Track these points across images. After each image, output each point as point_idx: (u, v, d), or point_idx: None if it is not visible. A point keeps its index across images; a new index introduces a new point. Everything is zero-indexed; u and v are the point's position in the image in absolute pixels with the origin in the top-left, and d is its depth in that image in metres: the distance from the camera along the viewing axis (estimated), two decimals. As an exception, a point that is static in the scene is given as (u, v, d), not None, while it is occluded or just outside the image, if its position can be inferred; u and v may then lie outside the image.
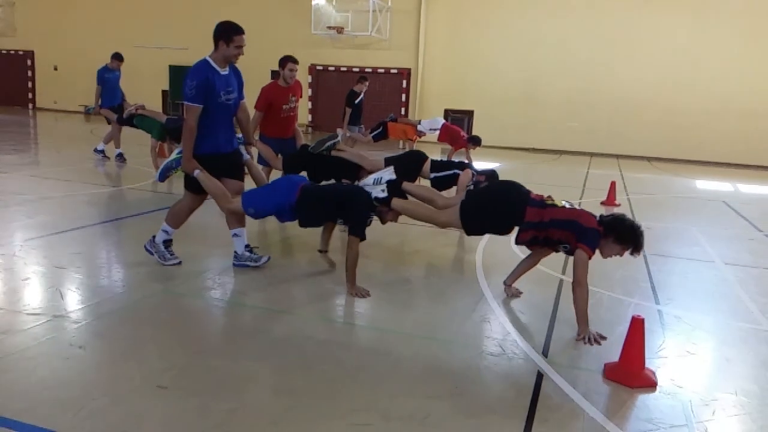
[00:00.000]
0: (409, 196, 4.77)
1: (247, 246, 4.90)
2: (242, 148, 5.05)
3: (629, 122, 17.76)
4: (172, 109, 21.54)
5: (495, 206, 4.19)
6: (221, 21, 4.50)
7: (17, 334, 3.38)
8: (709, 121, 17.04)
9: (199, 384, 2.96)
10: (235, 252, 4.90)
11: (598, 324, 3.93)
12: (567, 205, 4.06)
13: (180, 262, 4.82)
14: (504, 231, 4.30)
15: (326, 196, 4.49)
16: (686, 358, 3.65)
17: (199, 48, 23.23)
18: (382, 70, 19.63)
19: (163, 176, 4.87)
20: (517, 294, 4.56)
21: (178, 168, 4.57)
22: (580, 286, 3.78)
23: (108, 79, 10.62)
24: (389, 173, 4.64)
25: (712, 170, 15.63)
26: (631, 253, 3.85)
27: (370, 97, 11.45)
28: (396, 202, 4.43)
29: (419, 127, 11.62)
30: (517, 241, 4.17)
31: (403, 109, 19.55)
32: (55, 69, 23.65)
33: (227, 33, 4.41)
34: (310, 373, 3.16)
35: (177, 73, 21.82)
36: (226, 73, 4.52)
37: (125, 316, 3.79)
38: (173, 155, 4.71)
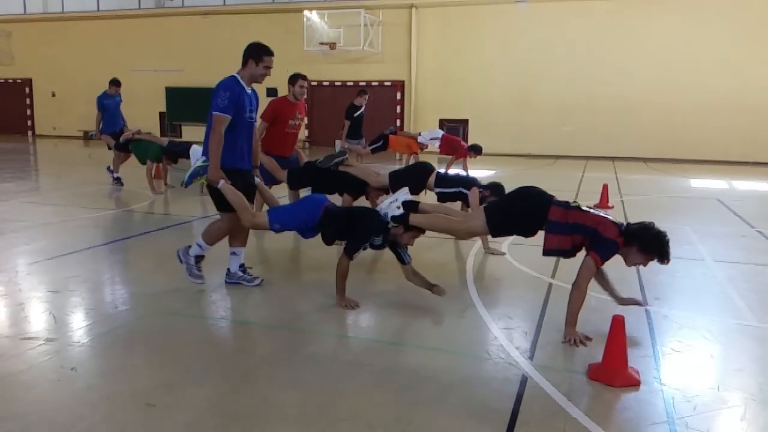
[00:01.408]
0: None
1: (241, 266, 4.96)
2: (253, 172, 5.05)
3: (624, 124, 17.85)
4: (170, 131, 21.75)
5: (521, 203, 4.19)
6: (252, 41, 4.67)
7: (10, 359, 3.44)
8: (704, 119, 17.12)
9: (187, 400, 3.02)
10: (228, 270, 4.97)
11: (585, 325, 3.96)
12: (592, 211, 4.00)
13: (203, 283, 4.83)
14: (530, 230, 4.20)
15: (345, 218, 4.59)
16: (671, 356, 3.70)
17: (194, 69, 23.53)
18: (376, 83, 19.80)
19: (189, 182, 4.81)
20: (641, 301, 4.44)
21: (204, 175, 4.59)
22: (578, 289, 3.81)
23: (107, 105, 10.65)
24: (404, 193, 4.65)
25: (707, 168, 15.67)
26: (659, 262, 3.82)
27: (365, 110, 11.53)
28: (414, 218, 4.41)
29: (420, 139, 11.73)
30: (545, 252, 4.05)
31: (398, 121, 19.69)
32: (53, 95, 23.94)
33: (258, 53, 4.56)
34: (297, 386, 3.21)
35: (174, 94, 22.06)
36: (250, 92, 4.66)
37: (118, 336, 3.85)
38: (199, 162, 4.68)
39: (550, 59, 18.13)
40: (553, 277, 5.29)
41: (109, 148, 10.80)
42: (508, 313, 4.42)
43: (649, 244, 3.77)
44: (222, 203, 4.66)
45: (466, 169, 11.71)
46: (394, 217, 4.41)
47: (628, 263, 3.95)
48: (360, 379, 3.29)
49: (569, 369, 3.47)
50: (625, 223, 3.94)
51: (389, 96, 19.87)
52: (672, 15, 17.04)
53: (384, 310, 4.50)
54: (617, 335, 3.29)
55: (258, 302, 4.64)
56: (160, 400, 2.99)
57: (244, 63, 4.59)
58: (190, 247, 4.87)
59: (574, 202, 4.11)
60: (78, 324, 4.04)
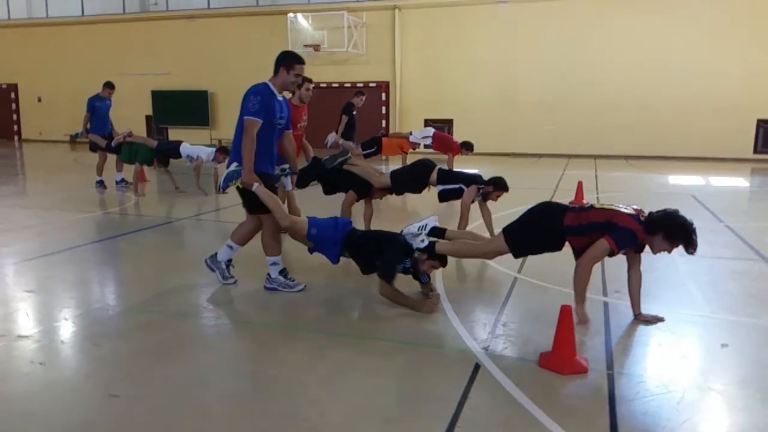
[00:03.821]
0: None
1: (228, 261, 5.04)
2: (290, 179, 5.09)
3: (605, 122, 18.03)
4: (157, 134, 21.78)
5: (535, 218, 4.28)
6: (284, 50, 4.82)
7: (-19, 356, 3.55)
8: (684, 117, 17.33)
9: (151, 391, 3.14)
10: (216, 254, 5.02)
11: (541, 316, 4.12)
12: (606, 207, 4.08)
13: (300, 287, 4.86)
14: (554, 242, 4.22)
15: (373, 242, 4.71)
16: (622, 345, 3.86)
17: (181, 72, 23.42)
18: (361, 84, 19.88)
19: (225, 186, 4.84)
20: (655, 320, 4.24)
21: (239, 179, 4.68)
22: (582, 267, 3.90)
23: (98, 108, 10.59)
24: (433, 221, 4.73)
25: (686, 165, 15.87)
26: (685, 250, 3.89)
27: (356, 113, 11.55)
28: (440, 246, 4.50)
29: (411, 138, 11.83)
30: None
31: (383, 122, 19.84)
32: (39, 100, 23.90)
33: (289, 61, 4.71)
34: (257, 376, 3.34)
35: (160, 98, 22.09)
36: (281, 99, 4.79)
37: (90, 333, 3.96)
38: (233, 167, 4.72)
39: (533, 59, 18.32)
40: (519, 272, 5.44)
41: (92, 150, 10.77)
42: (470, 306, 4.56)
43: (674, 232, 3.87)
44: (254, 205, 4.74)
45: (451, 167, 11.84)
46: (419, 249, 4.50)
47: (654, 250, 4.04)
48: (318, 371, 3.42)
49: (521, 358, 3.62)
50: (646, 213, 4.02)
51: (374, 97, 19.98)
52: (651, 13, 17.25)
53: (348, 305, 4.63)
54: (564, 324, 3.43)
55: (229, 299, 4.75)
56: (123, 392, 3.11)
57: (276, 71, 4.72)
58: (269, 274, 4.89)
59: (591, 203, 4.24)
60: (50, 322, 4.14)
